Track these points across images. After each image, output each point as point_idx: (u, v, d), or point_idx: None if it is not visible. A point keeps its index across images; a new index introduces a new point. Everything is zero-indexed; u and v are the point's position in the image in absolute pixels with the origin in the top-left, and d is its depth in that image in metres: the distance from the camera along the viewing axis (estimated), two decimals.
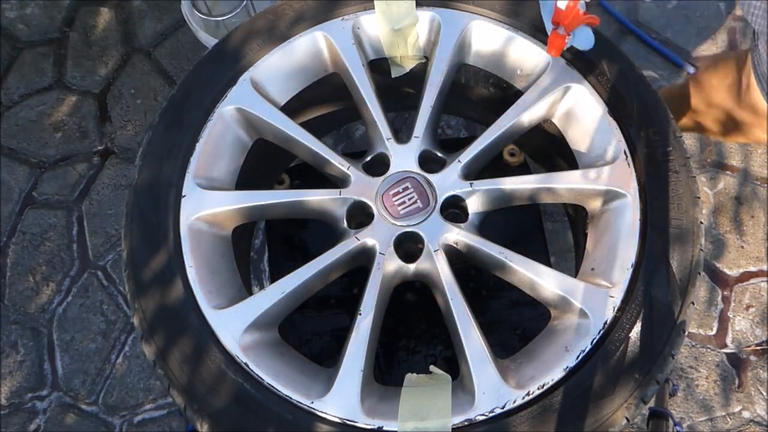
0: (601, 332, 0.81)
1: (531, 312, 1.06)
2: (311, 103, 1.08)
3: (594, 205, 0.94)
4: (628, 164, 0.89)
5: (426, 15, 0.99)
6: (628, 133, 0.91)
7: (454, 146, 0.98)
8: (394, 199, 0.91)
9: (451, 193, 0.92)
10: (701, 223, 0.86)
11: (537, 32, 0.97)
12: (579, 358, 0.80)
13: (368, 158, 0.98)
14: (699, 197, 0.88)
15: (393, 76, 1.06)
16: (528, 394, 0.79)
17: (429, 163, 0.96)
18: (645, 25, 1.92)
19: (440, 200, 0.91)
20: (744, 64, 0.98)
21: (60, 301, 1.76)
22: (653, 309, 0.81)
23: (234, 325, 0.83)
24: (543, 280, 0.85)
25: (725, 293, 1.68)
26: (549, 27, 0.91)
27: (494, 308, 1.08)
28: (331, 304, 1.09)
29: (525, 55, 0.98)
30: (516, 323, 1.06)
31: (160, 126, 0.94)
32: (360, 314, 0.84)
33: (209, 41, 1.52)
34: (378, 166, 0.96)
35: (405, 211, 0.90)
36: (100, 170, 1.89)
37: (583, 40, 0.91)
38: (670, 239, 0.84)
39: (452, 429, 0.77)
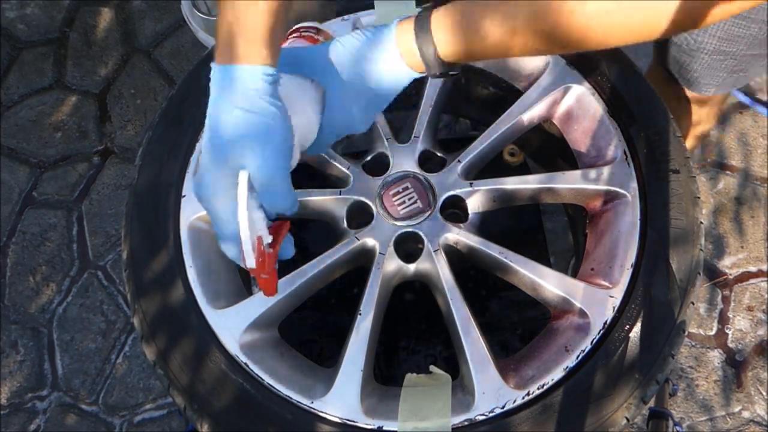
0: (601, 332, 0.81)
1: (531, 312, 1.06)
2: None
3: (594, 205, 0.94)
4: (628, 164, 0.89)
5: None
6: (628, 133, 0.91)
7: (454, 146, 0.98)
8: (394, 199, 0.91)
9: (451, 193, 0.92)
10: (701, 223, 0.86)
11: None
12: (579, 358, 0.80)
13: (368, 158, 0.98)
14: (699, 197, 0.88)
15: None
16: (528, 394, 0.79)
17: (429, 163, 0.96)
18: None
19: (440, 200, 0.91)
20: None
21: (60, 301, 1.76)
22: (653, 309, 0.81)
23: (234, 325, 0.83)
24: (543, 281, 0.85)
25: (725, 293, 1.68)
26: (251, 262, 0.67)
27: (494, 308, 1.08)
28: (331, 304, 1.09)
29: None
30: (516, 323, 1.06)
31: (160, 126, 0.94)
32: (360, 314, 0.84)
33: (209, 41, 1.52)
34: (378, 166, 0.96)
35: (405, 211, 0.90)
36: (100, 170, 1.89)
37: (287, 250, 0.74)
38: (670, 239, 0.84)
39: (452, 429, 0.77)
